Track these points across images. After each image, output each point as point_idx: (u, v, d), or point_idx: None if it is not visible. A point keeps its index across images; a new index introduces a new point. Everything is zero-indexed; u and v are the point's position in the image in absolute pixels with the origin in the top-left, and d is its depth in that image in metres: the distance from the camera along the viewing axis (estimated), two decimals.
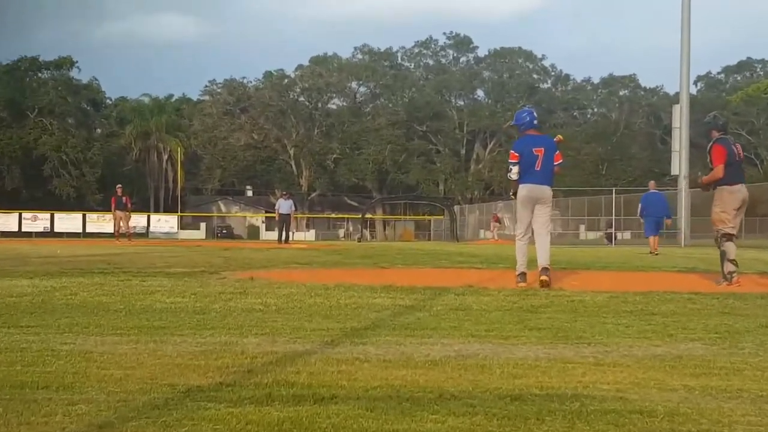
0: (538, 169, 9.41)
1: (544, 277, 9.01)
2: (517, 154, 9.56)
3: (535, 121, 9.74)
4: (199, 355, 4.35)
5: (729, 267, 9.47)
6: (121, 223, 31.18)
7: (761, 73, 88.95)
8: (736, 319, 6.13)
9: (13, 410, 3.15)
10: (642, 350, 4.64)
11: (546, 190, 9.53)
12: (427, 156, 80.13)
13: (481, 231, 63.20)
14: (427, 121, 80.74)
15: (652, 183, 24.28)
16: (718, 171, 9.55)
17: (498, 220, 53.45)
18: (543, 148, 9.46)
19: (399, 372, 3.92)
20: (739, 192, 9.65)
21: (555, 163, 9.52)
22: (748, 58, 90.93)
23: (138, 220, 51.23)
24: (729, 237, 9.54)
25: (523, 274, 9.37)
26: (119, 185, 31.95)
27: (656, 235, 22.53)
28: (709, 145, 9.80)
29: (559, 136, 10.47)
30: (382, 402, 3.31)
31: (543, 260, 9.27)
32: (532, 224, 9.56)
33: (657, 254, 20.80)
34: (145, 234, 55.49)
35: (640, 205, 23.41)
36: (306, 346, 4.68)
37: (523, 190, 9.53)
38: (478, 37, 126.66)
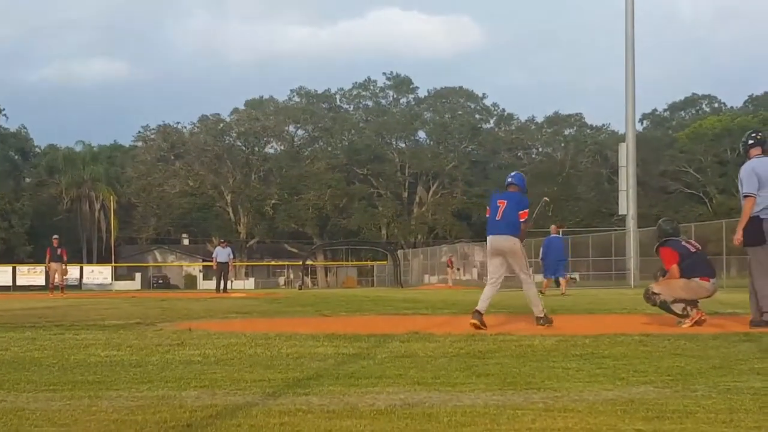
0: (499, 218, 9.80)
1: (538, 326, 9.54)
2: (489, 209, 10.10)
3: (510, 179, 10.13)
4: (136, 410, 4.21)
5: (679, 307, 9.56)
6: (56, 275, 30.50)
7: (707, 109, 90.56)
8: (688, 360, 6.11)
9: None
10: (593, 395, 4.58)
11: (503, 242, 9.80)
12: (368, 200, 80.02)
13: (426, 276, 63.15)
14: (367, 164, 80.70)
15: (553, 227, 25.23)
16: (674, 272, 9.72)
17: (451, 264, 52.52)
18: (506, 201, 9.84)
19: (343, 422, 3.82)
20: (707, 290, 9.72)
21: (520, 220, 9.81)
22: (693, 93, 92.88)
23: (70, 272, 50.34)
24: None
25: (477, 313, 9.57)
26: (56, 236, 31.36)
27: (557, 277, 23.39)
28: (656, 247, 10.07)
29: (545, 198, 11.38)
30: None
31: (535, 310, 9.80)
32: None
33: (565, 294, 21.60)
34: (78, 286, 54.55)
35: (541, 249, 24.37)
36: (247, 398, 4.57)
37: (487, 241, 9.99)
38: (418, 77, 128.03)
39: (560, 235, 24.72)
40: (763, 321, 9.10)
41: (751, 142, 9.57)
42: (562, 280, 22.83)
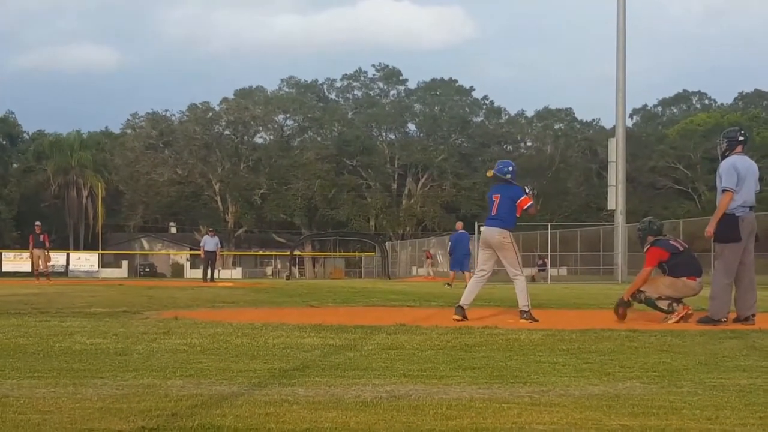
0: (493, 213, 9.90)
1: (521, 320, 9.49)
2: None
3: (508, 175, 10.00)
4: (121, 399, 4.19)
5: (664, 303, 9.60)
6: (40, 262, 30.42)
7: (698, 105, 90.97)
8: (674, 356, 6.11)
9: None
10: (579, 389, 4.57)
11: (494, 234, 9.82)
12: (357, 191, 79.70)
13: (414, 268, 63.16)
14: (357, 155, 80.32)
15: (459, 224, 27.31)
16: (645, 273, 9.82)
17: (430, 256, 53.30)
18: (499, 195, 9.89)
19: (329, 414, 3.81)
20: (693, 289, 9.74)
21: (522, 208, 9.82)
22: (684, 90, 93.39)
23: (57, 259, 50.12)
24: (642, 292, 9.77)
25: (459, 308, 9.73)
26: (38, 223, 31.29)
27: (463, 270, 24.64)
28: (645, 248, 10.06)
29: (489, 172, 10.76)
30: None
31: (520, 303, 9.73)
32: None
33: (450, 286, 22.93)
34: (65, 273, 54.32)
35: (449, 244, 26.41)
36: (232, 388, 4.55)
37: (481, 232, 10.17)
38: (407, 68, 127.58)
39: (466, 232, 26.60)
40: (711, 320, 9.11)
41: (741, 138, 9.55)
42: (466, 273, 24.06)
